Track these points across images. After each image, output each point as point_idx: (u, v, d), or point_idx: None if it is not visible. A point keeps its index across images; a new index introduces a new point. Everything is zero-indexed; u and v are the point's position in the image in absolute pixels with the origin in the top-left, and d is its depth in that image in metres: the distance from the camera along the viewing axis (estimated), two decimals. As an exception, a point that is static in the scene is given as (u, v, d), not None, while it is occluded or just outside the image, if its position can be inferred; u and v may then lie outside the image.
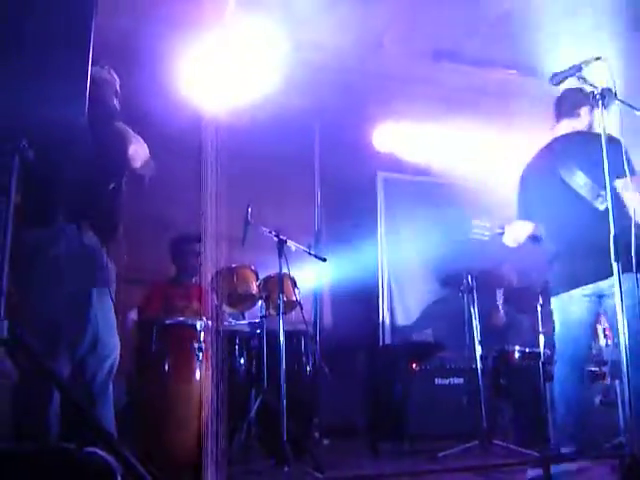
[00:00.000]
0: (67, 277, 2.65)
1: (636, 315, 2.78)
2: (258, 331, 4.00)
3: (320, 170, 6.08)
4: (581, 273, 3.18)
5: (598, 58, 2.95)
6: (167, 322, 3.66)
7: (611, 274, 2.64)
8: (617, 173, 2.88)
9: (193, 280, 4.45)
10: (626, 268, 2.72)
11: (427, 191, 6.47)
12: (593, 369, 4.14)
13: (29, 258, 2.65)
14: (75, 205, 2.67)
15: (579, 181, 3.22)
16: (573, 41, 5.02)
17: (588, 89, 2.91)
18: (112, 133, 2.68)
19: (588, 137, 3.34)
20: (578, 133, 3.42)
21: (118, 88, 2.99)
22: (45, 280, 2.64)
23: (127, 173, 2.82)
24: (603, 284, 3.08)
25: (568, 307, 3.25)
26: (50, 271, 2.66)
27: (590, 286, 3.16)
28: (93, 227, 2.71)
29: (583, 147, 3.29)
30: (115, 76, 2.99)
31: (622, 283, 2.78)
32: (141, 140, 2.77)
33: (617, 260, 2.58)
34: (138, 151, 2.74)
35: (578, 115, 3.44)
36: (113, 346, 2.72)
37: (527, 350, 4.95)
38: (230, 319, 4.19)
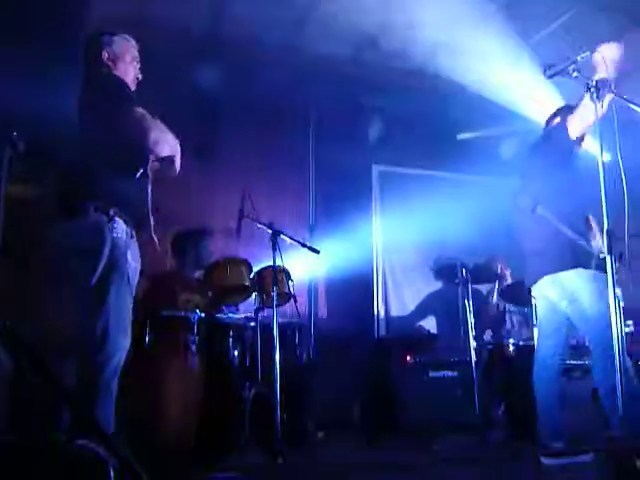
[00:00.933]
0: (86, 271, 2.58)
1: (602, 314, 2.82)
2: (252, 323, 4.00)
3: (315, 162, 6.07)
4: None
5: (593, 51, 2.95)
6: (162, 314, 3.66)
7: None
8: None
9: (196, 274, 4.41)
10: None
11: (422, 183, 6.46)
12: (587, 363, 4.15)
13: (59, 249, 2.65)
14: (102, 195, 2.60)
15: None
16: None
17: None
18: (130, 119, 2.56)
19: None
20: None
21: (137, 53, 2.88)
22: (65, 272, 2.63)
23: (155, 161, 2.75)
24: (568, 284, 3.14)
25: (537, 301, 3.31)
26: (72, 264, 2.62)
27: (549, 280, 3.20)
28: (123, 217, 2.63)
29: None
30: (133, 42, 2.88)
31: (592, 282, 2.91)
32: (165, 129, 2.68)
33: (610, 253, 2.58)
34: (161, 139, 2.64)
35: None
36: (121, 345, 2.59)
37: (521, 343, 4.96)
38: (224, 311, 4.18)
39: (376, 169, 6.56)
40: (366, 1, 4.84)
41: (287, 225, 4.15)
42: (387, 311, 6.25)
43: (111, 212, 2.58)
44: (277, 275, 3.76)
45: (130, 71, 2.82)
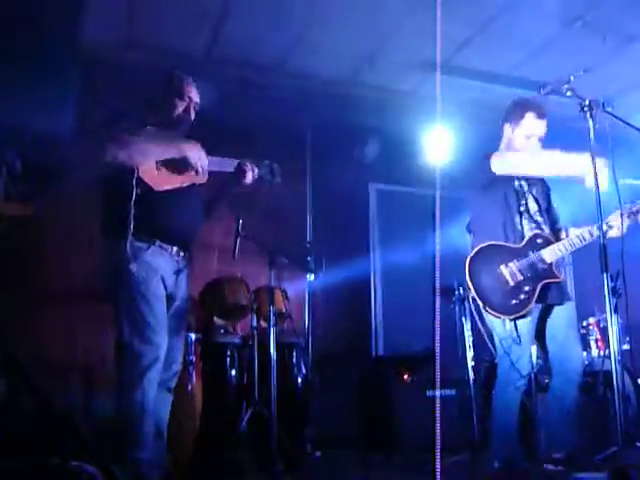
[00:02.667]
0: (107, 292, 2.75)
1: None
2: (249, 343, 3.99)
3: (312, 181, 6.09)
4: None
5: (586, 70, 2.98)
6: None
7: None
8: None
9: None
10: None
11: (419, 202, 6.48)
12: (584, 380, 4.13)
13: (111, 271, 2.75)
14: (120, 216, 2.68)
15: None
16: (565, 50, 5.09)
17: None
18: (93, 142, 2.71)
19: None
20: None
21: (188, 92, 3.00)
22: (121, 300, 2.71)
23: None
24: None
25: None
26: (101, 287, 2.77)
27: None
28: (141, 236, 2.72)
29: None
30: (186, 79, 3.03)
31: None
32: (149, 140, 2.79)
33: (605, 271, 2.59)
34: (140, 150, 2.72)
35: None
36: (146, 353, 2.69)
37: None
38: (221, 331, 4.17)
39: (373, 187, 6.59)
40: (362, 22, 4.88)
41: (284, 243, 4.15)
42: (384, 329, 6.23)
43: (124, 232, 2.66)
44: (274, 294, 3.76)
45: (173, 107, 2.97)
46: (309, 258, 4.37)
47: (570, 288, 3.25)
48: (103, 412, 4.10)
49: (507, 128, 3.49)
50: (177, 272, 2.88)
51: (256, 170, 3.09)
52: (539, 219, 3.35)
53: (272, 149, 5.69)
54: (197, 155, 2.86)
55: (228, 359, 3.92)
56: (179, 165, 2.83)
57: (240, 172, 3.04)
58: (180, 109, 2.99)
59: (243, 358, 3.97)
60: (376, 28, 4.99)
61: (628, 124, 2.96)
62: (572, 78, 2.90)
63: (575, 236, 3.22)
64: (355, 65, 5.55)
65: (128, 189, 2.68)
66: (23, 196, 4.66)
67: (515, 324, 3.19)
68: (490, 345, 3.31)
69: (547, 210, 3.42)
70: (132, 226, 2.66)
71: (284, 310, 4.08)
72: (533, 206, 3.37)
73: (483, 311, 3.27)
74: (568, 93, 2.91)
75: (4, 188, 1.93)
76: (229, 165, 3.05)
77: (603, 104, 2.85)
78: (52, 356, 4.79)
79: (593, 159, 2.79)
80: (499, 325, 3.24)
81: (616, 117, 2.92)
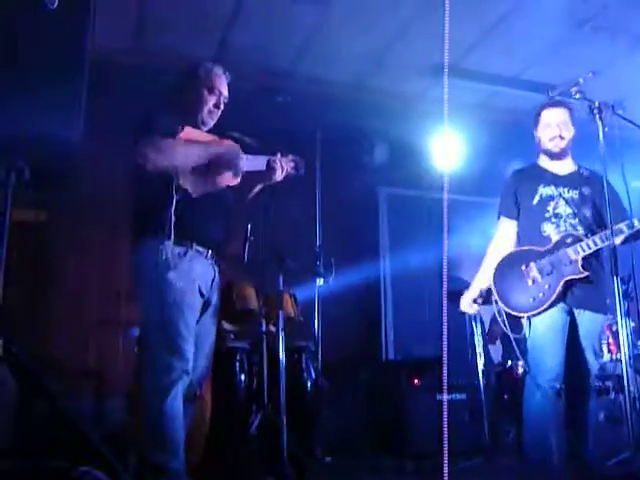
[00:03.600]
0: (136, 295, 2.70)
1: None
2: (259, 347, 3.99)
3: (321, 184, 6.09)
4: None
5: (595, 72, 2.97)
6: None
7: None
8: None
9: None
10: None
11: (429, 205, 6.47)
12: (596, 384, 4.10)
13: (133, 282, 2.72)
14: (154, 218, 2.62)
15: None
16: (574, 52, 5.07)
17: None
18: (139, 148, 2.59)
19: None
20: None
21: (218, 85, 2.91)
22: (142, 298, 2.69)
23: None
24: None
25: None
26: (138, 292, 2.71)
27: None
28: (176, 239, 2.63)
29: None
30: (216, 71, 2.94)
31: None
32: (193, 141, 2.72)
33: (615, 274, 2.57)
34: (182, 152, 2.64)
35: None
36: (173, 366, 2.60)
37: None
38: (230, 335, 4.17)
39: (383, 191, 6.59)
40: (370, 26, 4.89)
41: (294, 248, 4.15)
42: (394, 333, 6.22)
43: (160, 236, 2.60)
44: (283, 299, 3.76)
45: (203, 101, 2.88)
46: (318, 262, 4.36)
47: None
48: (114, 418, 4.13)
49: (535, 134, 3.48)
50: (213, 279, 2.85)
51: (285, 165, 3.00)
52: (573, 221, 3.27)
53: (281, 153, 5.73)
54: (236, 157, 2.79)
55: (237, 364, 3.92)
56: (218, 168, 2.76)
57: (271, 169, 2.96)
58: (210, 104, 2.89)
59: (252, 363, 3.97)
60: (384, 32, 5.00)
61: (638, 127, 2.94)
62: (581, 80, 2.89)
63: (599, 235, 3.15)
64: (363, 69, 5.56)
65: (167, 195, 2.60)
66: (36, 203, 4.71)
67: (530, 322, 3.18)
68: (517, 350, 3.26)
69: (589, 212, 3.31)
70: (172, 233, 2.59)
71: (293, 315, 4.08)
72: (565, 210, 3.32)
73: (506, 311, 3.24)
74: (577, 95, 2.90)
75: (14, 195, 1.94)
76: (260, 163, 2.96)
77: (613, 106, 2.84)
78: (64, 361, 4.82)
79: (604, 162, 2.78)
80: (526, 328, 3.23)
81: (626, 119, 2.91)
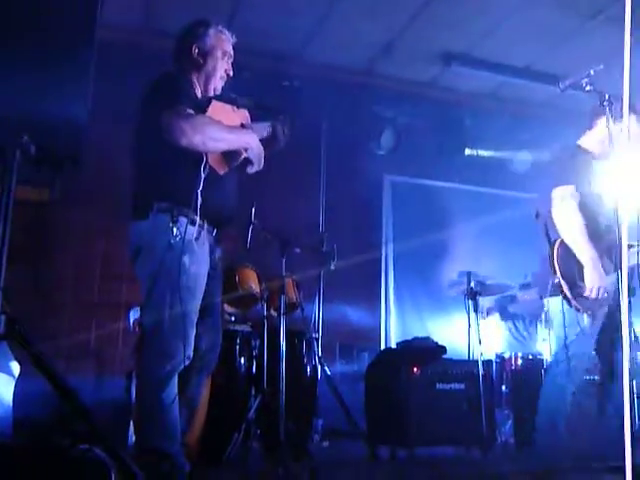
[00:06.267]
0: (141, 272, 2.60)
1: None
2: (260, 331, 4.00)
3: (326, 171, 6.07)
4: None
5: (607, 64, 2.93)
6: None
7: None
8: None
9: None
10: None
11: (434, 194, 6.46)
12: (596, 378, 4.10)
13: (134, 252, 2.61)
14: (169, 195, 2.52)
15: None
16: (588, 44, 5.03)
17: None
18: (168, 120, 2.44)
19: None
20: None
21: (229, 47, 2.81)
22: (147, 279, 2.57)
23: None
24: None
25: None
26: (133, 264, 2.61)
27: None
28: (190, 218, 2.53)
29: None
30: (226, 35, 2.81)
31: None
32: (228, 124, 2.60)
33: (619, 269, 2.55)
34: (212, 136, 2.51)
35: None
36: (179, 351, 2.53)
37: (530, 357, 4.93)
38: (232, 318, 4.18)
39: (388, 179, 6.57)
40: (380, 12, 4.85)
41: (297, 233, 4.14)
42: (395, 321, 6.23)
43: (175, 212, 2.51)
44: (285, 284, 3.75)
45: (218, 67, 2.76)
46: (322, 248, 4.35)
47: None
48: (114, 399, 4.15)
49: None
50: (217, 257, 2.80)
51: (284, 129, 2.87)
52: None
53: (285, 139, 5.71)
54: (257, 148, 2.69)
55: (238, 347, 3.93)
56: (243, 160, 2.68)
57: (274, 135, 2.84)
58: (222, 70, 2.79)
59: (253, 347, 3.98)
60: (394, 18, 4.96)
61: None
62: (592, 72, 2.85)
63: None
64: (372, 55, 5.53)
65: (194, 173, 2.50)
66: (39, 182, 4.69)
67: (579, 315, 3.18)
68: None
69: None
70: (197, 215, 2.51)
71: (295, 300, 4.08)
72: None
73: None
74: (588, 88, 2.87)
75: (19, 172, 1.92)
76: (264, 130, 2.83)
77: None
78: (64, 341, 4.83)
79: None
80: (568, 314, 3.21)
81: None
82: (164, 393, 2.49)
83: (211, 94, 2.78)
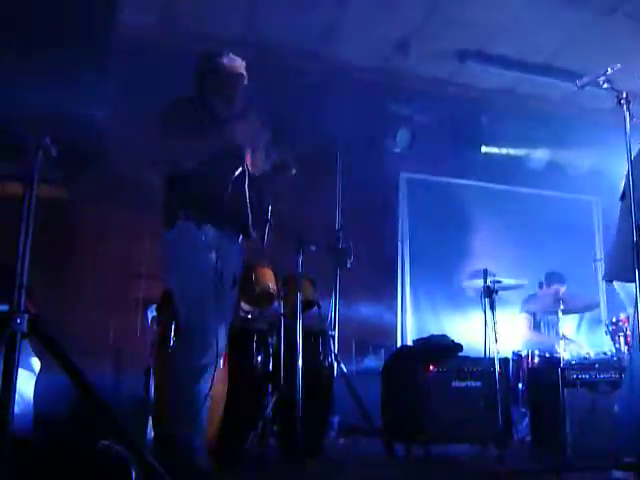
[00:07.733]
0: (172, 278, 2.76)
1: None
2: (276, 329, 4.01)
3: (342, 169, 6.07)
4: None
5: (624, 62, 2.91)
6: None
7: None
8: None
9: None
10: None
11: (449, 191, 6.45)
12: (613, 376, 4.08)
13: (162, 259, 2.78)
14: (194, 201, 2.68)
15: None
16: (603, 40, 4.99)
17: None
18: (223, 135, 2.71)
19: None
20: None
21: (243, 71, 2.98)
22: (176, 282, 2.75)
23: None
24: None
25: None
26: (165, 272, 2.78)
27: None
28: (215, 221, 2.71)
29: None
30: (238, 62, 2.98)
31: None
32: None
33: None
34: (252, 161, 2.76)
35: None
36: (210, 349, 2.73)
37: (547, 355, 4.90)
38: (248, 316, 4.20)
39: (404, 176, 6.56)
40: (395, 9, 4.84)
41: (313, 231, 4.15)
42: (412, 319, 6.23)
43: (199, 218, 2.66)
44: (302, 282, 3.77)
45: (234, 90, 2.93)
46: (338, 246, 4.36)
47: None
48: (132, 395, 4.19)
49: None
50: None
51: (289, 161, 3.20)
52: None
53: (303, 136, 5.72)
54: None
55: (254, 345, 3.95)
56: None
57: (283, 165, 3.23)
58: (236, 92, 2.97)
59: (269, 344, 4.00)
60: (410, 15, 4.95)
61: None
62: (609, 70, 2.84)
63: None
64: (388, 53, 5.52)
65: (229, 175, 2.70)
66: (58, 180, 4.75)
67: None
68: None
69: None
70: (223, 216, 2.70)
71: (312, 298, 4.09)
72: None
73: None
74: (605, 85, 2.85)
75: (40, 172, 1.96)
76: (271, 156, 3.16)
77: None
78: (84, 338, 4.89)
79: (629, 155, 2.74)
80: None
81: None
82: (199, 385, 2.61)
83: (228, 114, 2.92)
